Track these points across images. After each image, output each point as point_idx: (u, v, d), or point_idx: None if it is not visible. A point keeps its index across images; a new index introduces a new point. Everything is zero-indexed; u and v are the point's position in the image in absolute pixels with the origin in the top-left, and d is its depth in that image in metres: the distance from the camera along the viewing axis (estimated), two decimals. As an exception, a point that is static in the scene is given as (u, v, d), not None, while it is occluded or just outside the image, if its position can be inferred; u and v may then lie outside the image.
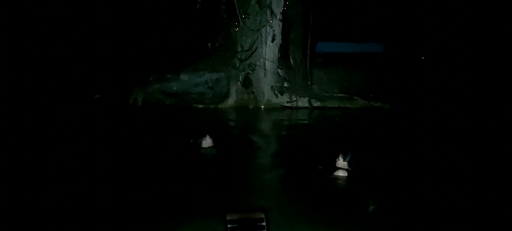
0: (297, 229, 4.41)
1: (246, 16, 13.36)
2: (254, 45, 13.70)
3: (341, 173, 6.28)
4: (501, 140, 9.14)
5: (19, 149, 7.76)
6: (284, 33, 14.09)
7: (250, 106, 13.73)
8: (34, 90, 15.14)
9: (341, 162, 6.45)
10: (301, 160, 7.11)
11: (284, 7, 13.81)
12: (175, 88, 14.42)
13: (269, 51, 13.82)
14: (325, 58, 19.04)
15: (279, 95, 13.95)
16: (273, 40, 13.62)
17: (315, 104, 13.97)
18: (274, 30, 13.62)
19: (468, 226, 4.60)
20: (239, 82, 13.90)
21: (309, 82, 14.78)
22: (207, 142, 8.09)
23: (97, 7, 20.07)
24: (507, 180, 6.22)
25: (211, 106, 13.71)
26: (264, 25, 13.55)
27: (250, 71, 13.81)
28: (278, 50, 14.03)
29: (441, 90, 16.55)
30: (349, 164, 6.43)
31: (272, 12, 13.45)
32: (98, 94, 14.89)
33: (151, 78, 14.33)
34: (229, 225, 2.77)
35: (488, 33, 20.52)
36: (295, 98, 14.01)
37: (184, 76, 14.38)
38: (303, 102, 14.02)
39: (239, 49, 13.83)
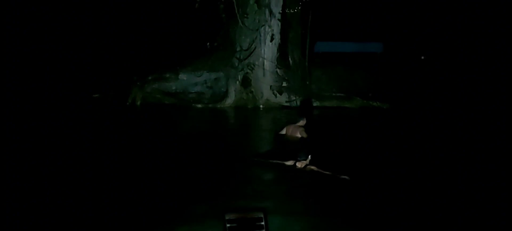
0: (296, 229, 4.40)
1: (245, 15, 13.37)
2: (253, 45, 13.71)
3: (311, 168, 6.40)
4: (501, 140, 9.15)
5: (18, 148, 7.76)
6: (283, 32, 14.11)
7: (249, 106, 13.73)
8: (33, 90, 15.14)
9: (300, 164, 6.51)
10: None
11: (283, 7, 13.83)
12: (174, 87, 14.43)
13: (268, 50, 13.83)
14: (324, 58, 19.07)
15: (278, 94, 13.96)
16: (272, 39, 13.64)
17: (314, 104, 13.97)
18: (273, 30, 13.64)
19: (468, 226, 4.60)
20: (238, 82, 13.90)
21: (308, 82, 14.79)
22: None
23: (97, 7, 20.08)
24: (507, 180, 6.22)
25: (210, 106, 13.72)
26: (263, 25, 13.57)
27: (249, 71, 13.82)
28: (277, 50, 14.04)
29: (441, 90, 16.58)
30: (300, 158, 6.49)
31: (270, 12, 13.46)
32: (96, 94, 14.89)
33: (150, 78, 14.34)
34: (228, 225, 2.76)
35: (488, 33, 20.56)
36: (294, 98, 14.03)
37: (183, 76, 14.39)
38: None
39: (238, 48, 13.85)
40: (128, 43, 19.96)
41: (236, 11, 13.15)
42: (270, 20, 13.56)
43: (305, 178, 6.17)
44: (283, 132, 9.25)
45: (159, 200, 5.13)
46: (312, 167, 6.38)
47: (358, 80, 15.95)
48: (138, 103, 13.79)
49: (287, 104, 13.95)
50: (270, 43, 13.72)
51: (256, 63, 13.75)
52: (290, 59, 14.61)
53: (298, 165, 6.51)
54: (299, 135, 8.83)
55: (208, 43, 14.59)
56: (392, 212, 4.90)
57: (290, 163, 6.67)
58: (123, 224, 4.50)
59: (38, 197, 5.25)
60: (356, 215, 4.81)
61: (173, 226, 4.40)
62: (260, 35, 13.66)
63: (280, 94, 13.99)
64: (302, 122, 9.18)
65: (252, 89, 13.92)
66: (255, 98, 13.93)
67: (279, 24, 13.79)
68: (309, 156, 6.51)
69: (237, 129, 11.21)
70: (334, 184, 5.88)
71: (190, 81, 14.47)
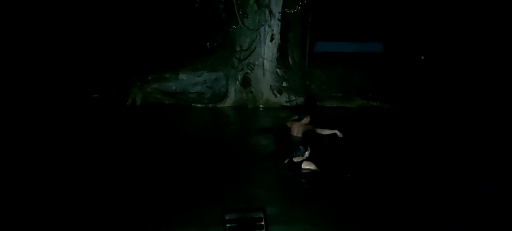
0: (296, 229, 4.41)
1: (245, 15, 13.36)
2: (253, 45, 13.70)
3: (307, 166, 6.38)
4: (501, 140, 9.15)
5: (18, 148, 7.76)
6: (283, 32, 14.09)
7: (249, 106, 13.73)
8: (33, 90, 15.13)
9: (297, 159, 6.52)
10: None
11: (283, 7, 13.82)
12: (173, 87, 14.40)
13: (268, 50, 13.81)
14: (324, 58, 19.06)
15: (278, 94, 13.96)
16: (271, 39, 13.62)
17: (314, 104, 13.99)
18: (273, 30, 13.62)
19: (468, 226, 4.61)
20: (237, 82, 13.90)
21: (308, 82, 14.78)
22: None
23: (96, 7, 20.07)
24: (507, 180, 6.23)
25: (210, 105, 13.72)
26: (263, 25, 13.55)
27: (249, 71, 13.81)
28: (277, 50, 14.03)
29: (441, 90, 16.57)
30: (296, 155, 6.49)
31: (270, 12, 13.45)
32: (96, 94, 14.88)
33: (149, 78, 14.31)
34: (228, 225, 2.77)
35: (488, 33, 20.55)
36: (294, 98, 14.03)
37: (183, 76, 14.36)
38: (302, 102, 14.02)
39: (238, 48, 13.83)
40: (128, 43, 19.95)
41: (236, 11, 13.13)
42: (270, 20, 13.55)
43: (304, 177, 6.17)
44: (289, 125, 9.36)
45: (159, 200, 5.14)
46: (310, 167, 6.35)
47: (358, 80, 15.93)
48: (138, 103, 13.78)
49: (287, 104, 13.95)
50: (270, 43, 13.70)
51: (256, 63, 13.74)
52: (290, 59, 14.59)
53: (295, 159, 6.48)
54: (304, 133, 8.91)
55: (208, 43, 14.54)
56: (391, 211, 4.91)
57: (287, 160, 6.67)
58: (123, 224, 4.51)
59: (38, 197, 5.26)
60: (356, 214, 4.82)
61: (173, 226, 4.41)
62: (260, 35, 13.64)
63: (280, 94, 13.99)
64: (306, 120, 9.25)
65: (252, 89, 13.92)
66: (255, 98, 13.92)
67: (279, 24, 13.78)
68: (307, 152, 6.48)
69: (237, 129, 11.22)
70: (333, 183, 5.89)
71: (190, 81, 14.44)
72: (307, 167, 6.37)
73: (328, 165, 6.34)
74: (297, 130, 9.07)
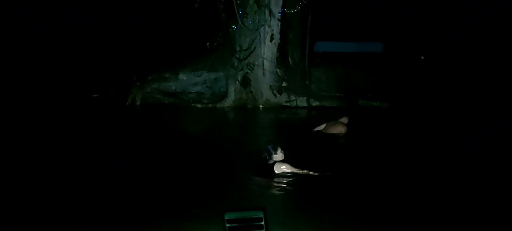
0: (296, 228, 4.40)
1: (245, 15, 13.37)
2: (253, 45, 13.71)
3: (281, 168, 6.01)
4: (501, 140, 9.14)
5: (18, 148, 7.76)
6: (283, 32, 14.11)
7: (249, 106, 13.73)
8: (33, 90, 15.14)
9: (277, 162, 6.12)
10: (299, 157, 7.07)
11: (282, 7, 13.83)
12: (173, 87, 14.42)
13: (268, 50, 13.83)
14: (324, 58, 19.08)
15: (277, 94, 13.96)
16: (271, 39, 13.64)
17: (314, 104, 13.98)
18: (273, 30, 13.64)
19: (467, 226, 4.60)
20: (237, 82, 13.90)
21: (307, 82, 14.78)
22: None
23: (96, 7, 20.08)
24: (507, 179, 6.22)
25: (210, 105, 13.72)
26: (263, 25, 13.56)
27: (248, 71, 13.82)
28: (277, 50, 14.04)
29: (441, 90, 16.57)
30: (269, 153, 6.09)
31: (270, 12, 13.46)
32: (96, 93, 14.89)
33: (149, 78, 14.34)
34: (227, 225, 2.77)
35: (488, 33, 20.55)
36: (293, 98, 14.03)
37: (182, 76, 14.38)
38: (301, 102, 14.03)
39: (238, 48, 13.85)
40: (128, 43, 19.96)
41: (236, 11, 13.15)
42: (270, 20, 13.57)
43: (303, 178, 6.15)
44: (320, 128, 9.29)
45: (159, 200, 5.14)
46: (284, 169, 6.03)
47: (358, 80, 15.93)
48: (138, 103, 13.79)
49: (287, 104, 13.95)
50: (270, 43, 13.72)
51: (256, 63, 13.75)
52: (290, 59, 14.62)
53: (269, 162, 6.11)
54: (340, 131, 8.95)
55: (208, 43, 14.56)
56: (391, 211, 4.90)
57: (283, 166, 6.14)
58: (123, 224, 4.50)
59: (38, 197, 5.25)
60: (355, 214, 4.81)
61: (173, 226, 4.40)
62: (260, 35, 13.66)
63: (280, 94, 14.00)
64: (344, 119, 9.22)
65: (252, 89, 13.93)
66: (255, 98, 13.93)
67: (279, 24, 13.80)
68: (276, 155, 6.03)
69: (237, 129, 11.22)
70: (332, 184, 5.88)
71: (190, 81, 14.46)
72: (282, 169, 5.96)
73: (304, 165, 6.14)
74: (326, 126, 9.06)
